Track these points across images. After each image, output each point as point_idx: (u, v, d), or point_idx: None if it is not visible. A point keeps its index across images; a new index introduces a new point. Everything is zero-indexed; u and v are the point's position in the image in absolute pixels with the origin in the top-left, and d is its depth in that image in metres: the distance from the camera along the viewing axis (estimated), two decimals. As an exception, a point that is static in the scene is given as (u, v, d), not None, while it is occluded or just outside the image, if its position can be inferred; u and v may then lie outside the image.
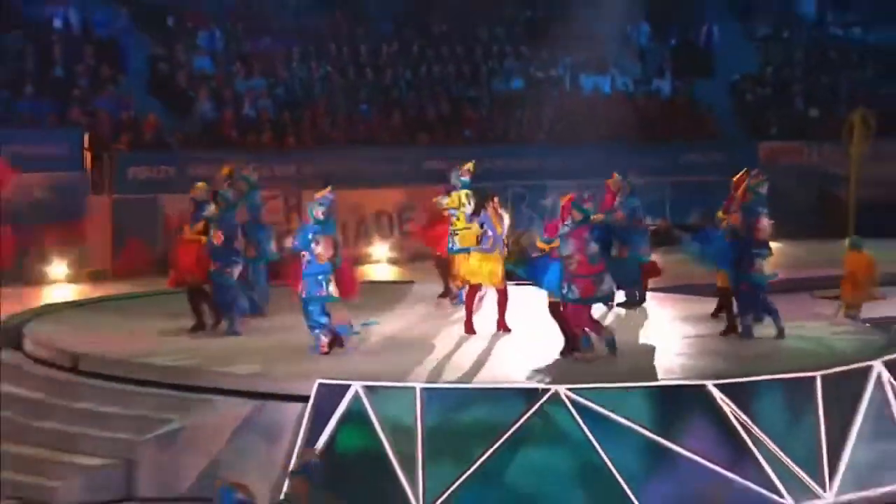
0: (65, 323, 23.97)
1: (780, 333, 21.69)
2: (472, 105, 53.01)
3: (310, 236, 20.74)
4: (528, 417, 16.29)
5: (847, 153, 33.10)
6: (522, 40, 58.78)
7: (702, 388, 17.22)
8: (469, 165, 26.35)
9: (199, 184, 25.40)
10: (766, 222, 22.84)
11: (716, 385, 17.14)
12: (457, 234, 24.60)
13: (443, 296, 26.48)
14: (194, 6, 45.21)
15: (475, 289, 23.52)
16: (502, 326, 22.62)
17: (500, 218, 23.56)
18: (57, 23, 40.68)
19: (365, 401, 16.61)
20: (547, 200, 30.73)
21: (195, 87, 40.97)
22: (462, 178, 25.93)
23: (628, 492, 15.61)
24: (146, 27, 42.76)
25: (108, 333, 22.81)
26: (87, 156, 37.07)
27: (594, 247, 20.39)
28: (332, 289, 20.93)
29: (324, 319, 20.45)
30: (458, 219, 24.71)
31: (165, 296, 27.44)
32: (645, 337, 22.41)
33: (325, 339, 20.28)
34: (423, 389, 16.84)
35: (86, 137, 36.93)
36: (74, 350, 20.54)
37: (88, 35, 41.01)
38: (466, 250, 23.99)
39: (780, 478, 16.66)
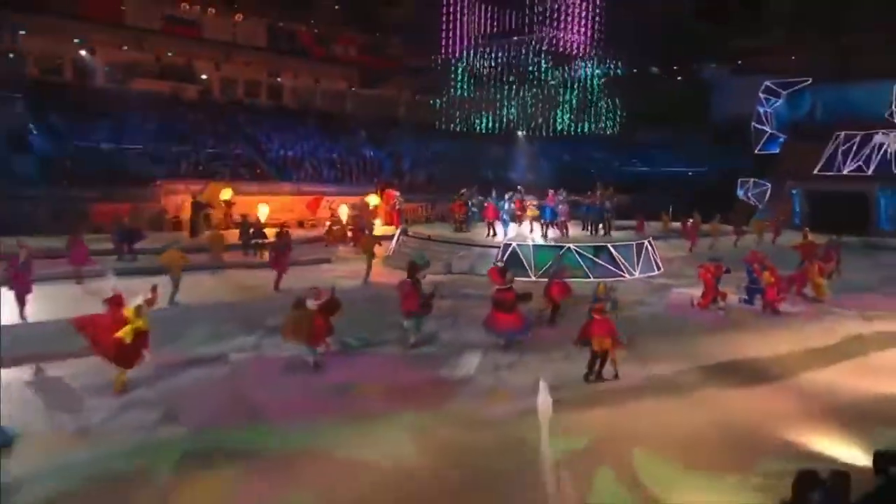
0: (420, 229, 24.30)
1: (609, 233, 22.89)
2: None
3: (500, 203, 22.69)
4: (562, 253, 18.70)
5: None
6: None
7: (605, 246, 19.96)
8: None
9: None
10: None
11: (610, 245, 20.02)
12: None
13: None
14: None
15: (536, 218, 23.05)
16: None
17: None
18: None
19: (517, 248, 19.33)
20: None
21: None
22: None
23: (587, 272, 18.38)
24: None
25: (430, 231, 23.81)
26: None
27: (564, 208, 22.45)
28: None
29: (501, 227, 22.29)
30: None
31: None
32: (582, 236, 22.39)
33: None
34: (533, 245, 19.81)
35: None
36: (427, 234, 22.64)
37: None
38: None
39: (624, 268, 19.47)
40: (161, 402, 8.53)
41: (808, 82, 36.13)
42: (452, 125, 38.58)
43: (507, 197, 23.38)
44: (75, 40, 29.48)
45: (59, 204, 23.58)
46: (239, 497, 6.37)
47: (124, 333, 8.41)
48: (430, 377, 10.03)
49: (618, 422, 8.29)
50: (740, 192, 36.35)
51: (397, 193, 31.26)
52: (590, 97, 35.95)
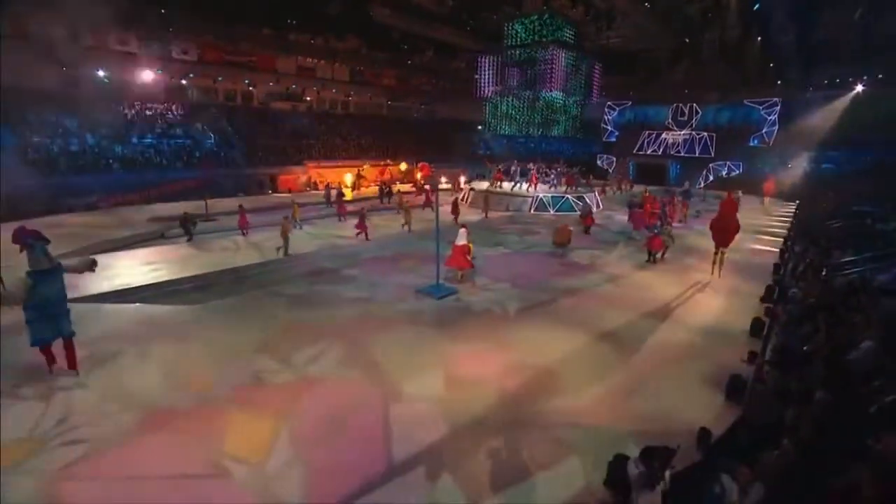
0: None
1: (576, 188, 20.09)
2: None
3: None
4: (535, 201, 17.72)
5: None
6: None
7: (582, 195, 18.61)
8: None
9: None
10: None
11: (584, 194, 18.75)
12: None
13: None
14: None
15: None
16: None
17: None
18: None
19: (540, 195, 18.54)
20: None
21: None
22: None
23: (574, 207, 17.40)
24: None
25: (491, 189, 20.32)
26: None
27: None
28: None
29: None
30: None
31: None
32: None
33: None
34: (544, 196, 18.45)
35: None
36: (486, 189, 19.72)
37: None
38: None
39: (591, 205, 17.16)
40: (482, 272, 9.92)
41: (630, 104, 36.91)
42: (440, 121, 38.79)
43: (547, 170, 22.71)
44: (245, 80, 29.58)
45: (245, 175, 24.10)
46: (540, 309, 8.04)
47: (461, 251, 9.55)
48: (567, 261, 11.29)
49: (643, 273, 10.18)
50: (599, 163, 37.17)
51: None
52: (526, 113, 38.35)
